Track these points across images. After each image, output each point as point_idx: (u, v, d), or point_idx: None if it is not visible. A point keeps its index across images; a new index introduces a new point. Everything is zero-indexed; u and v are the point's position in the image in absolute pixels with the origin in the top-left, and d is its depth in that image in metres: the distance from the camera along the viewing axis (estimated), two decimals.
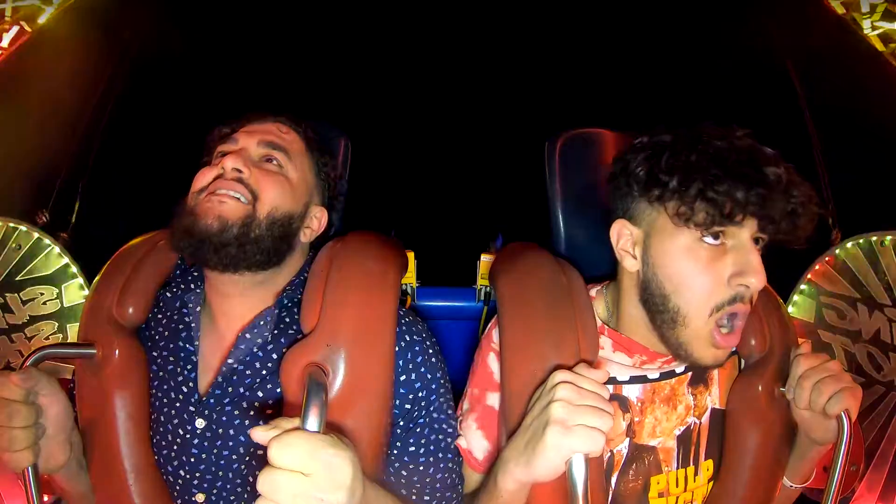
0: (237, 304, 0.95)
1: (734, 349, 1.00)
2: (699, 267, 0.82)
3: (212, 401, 0.91)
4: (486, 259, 1.52)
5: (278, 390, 0.90)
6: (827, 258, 1.60)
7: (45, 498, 0.88)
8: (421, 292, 1.58)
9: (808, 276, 1.61)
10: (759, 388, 0.96)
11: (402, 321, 0.93)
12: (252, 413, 0.90)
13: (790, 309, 1.61)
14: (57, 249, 1.67)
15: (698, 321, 0.84)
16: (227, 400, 0.91)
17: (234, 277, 0.92)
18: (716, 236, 0.82)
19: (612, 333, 0.96)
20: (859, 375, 1.53)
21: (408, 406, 0.91)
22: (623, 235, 0.90)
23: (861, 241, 1.57)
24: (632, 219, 0.90)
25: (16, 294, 1.64)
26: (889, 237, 1.55)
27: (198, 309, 0.97)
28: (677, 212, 0.82)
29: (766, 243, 0.85)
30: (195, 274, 1.00)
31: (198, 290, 0.98)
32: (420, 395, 0.92)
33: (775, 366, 0.97)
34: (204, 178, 0.93)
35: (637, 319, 0.93)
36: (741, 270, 0.82)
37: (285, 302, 0.96)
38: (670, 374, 0.97)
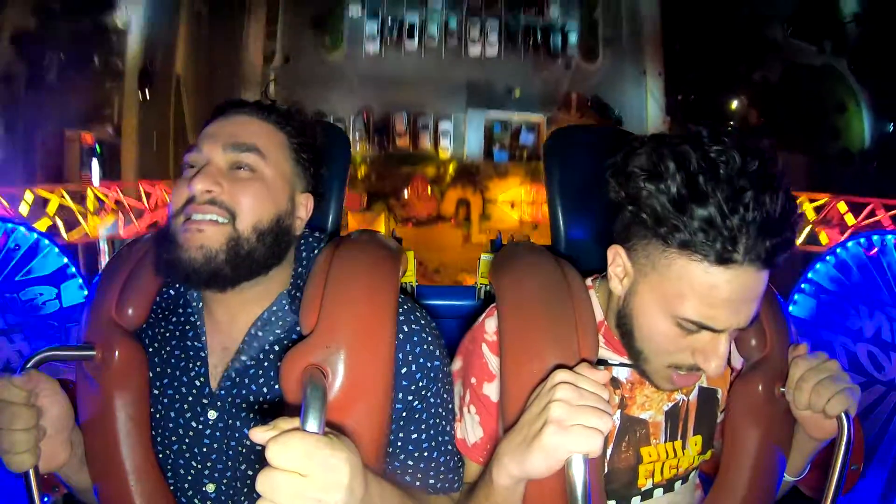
0: (235, 302, 0.95)
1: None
2: (668, 340, 0.86)
3: (222, 392, 0.92)
4: (485, 258, 1.53)
5: (278, 386, 0.90)
6: (828, 257, 1.60)
7: (46, 499, 0.89)
8: (421, 291, 1.58)
9: (809, 274, 1.61)
10: (760, 387, 0.96)
11: (400, 309, 0.93)
12: (258, 407, 0.91)
13: (791, 308, 1.62)
14: (56, 249, 1.68)
15: (656, 365, 0.89)
16: (236, 391, 0.92)
17: (233, 291, 0.91)
18: (691, 331, 0.83)
19: (607, 332, 0.98)
20: (859, 375, 1.53)
21: (410, 397, 0.91)
22: (616, 262, 0.90)
23: (862, 240, 1.57)
24: (629, 252, 0.88)
25: (15, 294, 1.65)
26: (889, 237, 1.55)
27: (200, 305, 0.97)
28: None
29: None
30: None
31: None
32: (421, 384, 0.92)
33: (775, 365, 0.97)
34: (178, 198, 0.89)
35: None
36: (704, 352, 0.84)
37: (293, 292, 0.96)
38: None
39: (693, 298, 0.80)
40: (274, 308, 0.95)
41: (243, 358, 0.93)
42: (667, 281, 0.82)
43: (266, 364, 0.92)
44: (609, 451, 0.96)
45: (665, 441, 0.99)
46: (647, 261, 0.85)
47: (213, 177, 0.88)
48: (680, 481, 1.02)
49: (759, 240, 0.77)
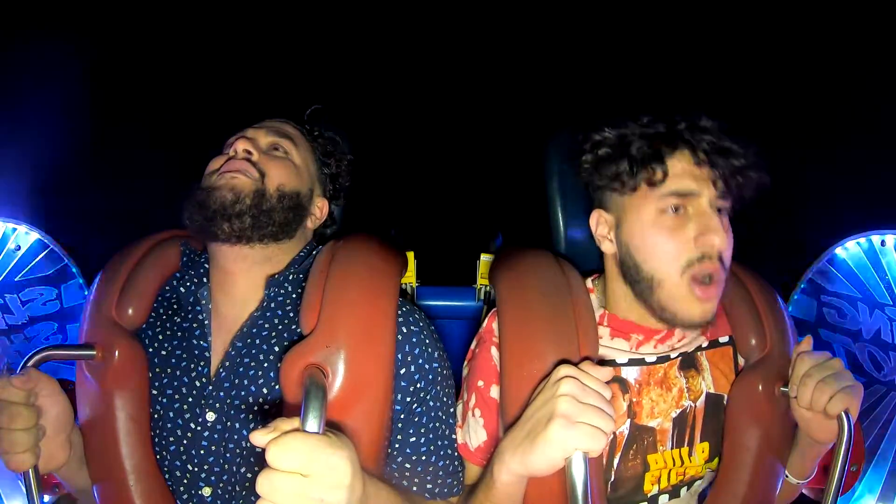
0: (240, 282, 0.97)
1: (731, 340, 1.02)
2: (664, 234, 0.90)
3: (221, 393, 0.92)
4: (485, 258, 1.52)
5: (279, 388, 0.90)
6: (827, 257, 1.60)
7: (46, 498, 0.89)
8: (421, 291, 1.58)
9: (809, 275, 1.61)
10: (760, 387, 0.96)
11: (399, 311, 0.93)
12: (256, 408, 0.91)
13: (791, 308, 1.62)
14: (57, 250, 1.68)
15: (672, 281, 0.90)
16: (235, 392, 0.92)
17: (243, 250, 0.95)
18: (676, 209, 0.90)
19: (610, 319, 0.99)
20: (860, 375, 1.53)
21: (408, 399, 0.91)
22: (600, 223, 0.99)
23: (861, 240, 1.57)
24: (605, 207, 0.98)
25: (15, 295, 1.65)
26: (889, 237, 1.55)
27: (210, 305, 0.98)
28: (636, 178, 0.92)
29: (729, 212, 0.93)
30: (206, 266, 1.01)
31: (209, 283, 1.00)
32: (419, 385, 0.92)
33: (775, 365, 0.97)
34: (216, 162, 1.00)
35: (625, 295, 0.97)
36: (702, 231, 0.89)
37: (279, 278, 0.98)
38: (665, 359, 0.98)
39: (662, 185, 0.90)
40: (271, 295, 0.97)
41: (231, 351, 0.94)
42: (638, 190, 0.92)
43: (266, 365, 0.93)
44: (616, 460, 0.96)
45: (672, 448, 0.98)
46: (619, 198, 0.95)
47: (254, 144, 1.00)
48: (685, 487, 1.01)
49: (696, 131, 0.90)
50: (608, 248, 0.98)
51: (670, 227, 0.90)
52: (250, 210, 0.93)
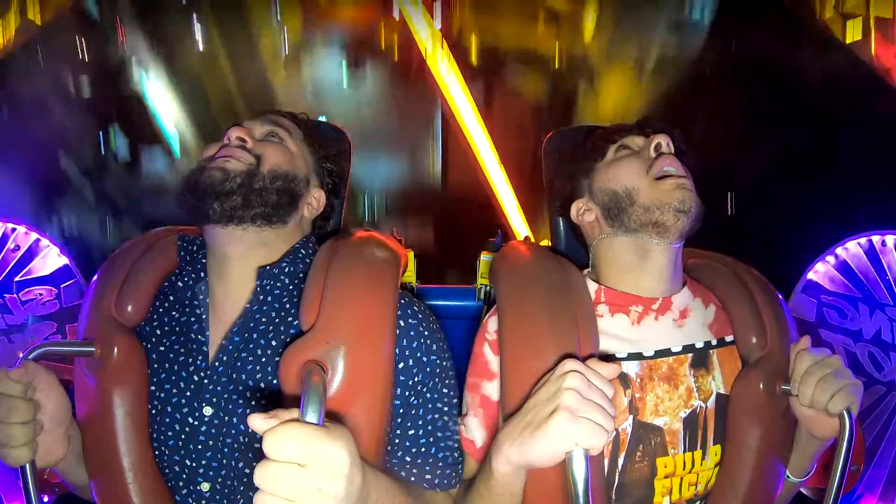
0: (235, 268, 0.97)
1: (732, 339, 1.02)
2: (623, 159, 1.05)
3: (218, 388, 0.92)
4: (485, 258, 1.52)
5: (276, 381, 0.90)
6: (828, 257, 1.60)
7: (45, 498, 0.88)
8: (421, 291, 1.58)
9: (809, 275, 1.61)
10: (760, 385, 0.95)
11: (398, 303, 0.93)
12: (254, 402, 0.91)
13: (791, 308, 1.61)
14: (56, 250, 1.68)
15: (644, 182, 1.00)
16: (232, 386, 0.92)
17: (236, 232, 0.95)
18: (624, 147, 1.07)
19: (607, 293, 1.01)
20: (860, 375, 1.53)
21: (407, 393, 0.91)
22: (580, 208, 1.10)
23: (861, 240, 1.57)
24: (577, 196, 1.11)
25: (16, 295, 1.65)
26: (889, 237, 1.55)
27: (207, 300, 0.98)
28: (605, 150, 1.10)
29: (671, 150, 1.04)
30: (203, 262, 1.01)
31: (206, 278, 1.00)
32: (417, 379, 0.92)
33: (776, 363, 0.97)
34: (211, 148, 1.00)
35: (617, 257, 1.04)
36: (648, 144, 1.04)
37: (272, 270, 0.98)
38: (666, 353, 0.98)
39: (612, 140, 1.08)
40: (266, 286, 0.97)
41: (225, 342, 0.94)
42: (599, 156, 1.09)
43: (263, 359, 0.92)
44: (621, 460, 0.94)
45: (684, 451, 0.97)
46: (588, 175, 1.10)
47: (249, 132, 1.02)
48: (699, 502, 1.00)
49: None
50: (591, 215, 1.07)
51: (626, 155, 1.05)
52: (240, 189, 0.94)
